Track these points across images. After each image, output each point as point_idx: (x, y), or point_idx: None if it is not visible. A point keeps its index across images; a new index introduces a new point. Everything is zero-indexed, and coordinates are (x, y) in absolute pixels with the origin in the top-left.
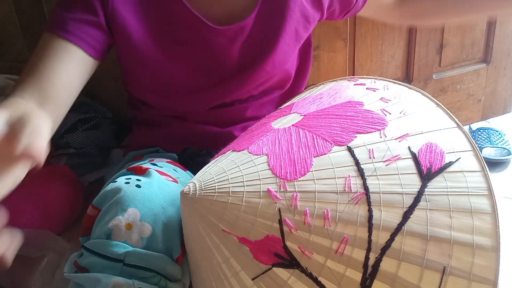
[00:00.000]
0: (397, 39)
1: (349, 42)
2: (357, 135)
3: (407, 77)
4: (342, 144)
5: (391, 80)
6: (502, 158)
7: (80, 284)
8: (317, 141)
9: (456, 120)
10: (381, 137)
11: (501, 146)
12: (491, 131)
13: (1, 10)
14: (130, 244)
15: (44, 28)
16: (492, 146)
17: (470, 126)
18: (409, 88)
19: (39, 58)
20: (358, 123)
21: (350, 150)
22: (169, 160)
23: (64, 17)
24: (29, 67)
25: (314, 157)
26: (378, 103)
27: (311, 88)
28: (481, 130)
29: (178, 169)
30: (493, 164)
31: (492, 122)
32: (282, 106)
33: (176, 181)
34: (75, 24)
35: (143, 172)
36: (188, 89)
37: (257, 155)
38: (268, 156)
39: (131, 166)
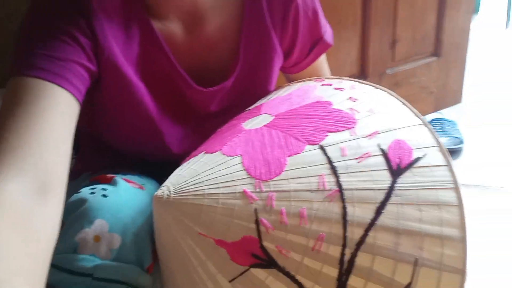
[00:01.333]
0: (351, 36)
1: None
2: (328, 134)
3: (362, 73)
4: (315, 143)
5: (357, 80)
6: (456, 146)
7: None
8: (290, 141)
9: (421, 117)
10: (351, 135)
11: (453, 136)
12: (444, 121)
13: None
14: (98, 257)
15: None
16: (445, 135)
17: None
18: (375, 87)
19: (19, 115)
20: (329, 122)
21: (322, 148)
22: (130, 171)
23: (44, 56)
24: (3, 132)
25: (288, 156)
26: (347, 102)
27: (278, 89)
28: (435, 121)
29: (142, 176)
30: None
31: (445, 113)
32: (251, 107)
33: (142, 188)
34: (63, 65)
35: (108, 180)
36: (174, 135)
37: (231, 156)
38: (242, 157)
39: (95, 176)
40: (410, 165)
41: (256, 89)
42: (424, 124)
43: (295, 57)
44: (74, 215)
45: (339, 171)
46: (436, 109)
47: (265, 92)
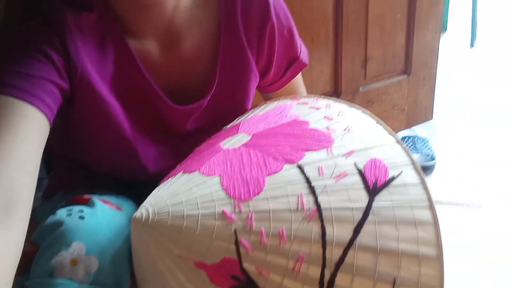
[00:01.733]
0: (324, 54)
1: None
2: (305, 153)
3: (335, 91)
4: (293, 162)
5: (332, 98)
6: (427, 163)
7: None
8: (268, 160)
9: (395, 135)
10: (328, 154)
11: (425, 152)
12: (416, 138)
13: None
14: (76, 281)
15: None
16: (417, 152)
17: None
18: (350, 105)
19: None
20: (306, 141)
21: (300, 168)
22: (106, 191)
23: (15, 74)
24: None
25: (266, 176)
26: (323, 121)
27: (255, 107)
28: (406, 138)
29: (119, 196)
30: None
31: (416, 130)
32: (228, 126)
33: (119, 209)
34: (34, 82)
35: (85, 201)
36: (150, 155)
37: (209, 176)
38: (221, 177)
39: (71, 197)
40: (386, 184)
41: (233, 108)
42: (398, 142)
43: (271, 77)
44: (51, 237)
45: (317, 190)
46: (408, 125)
47: (242, 110)
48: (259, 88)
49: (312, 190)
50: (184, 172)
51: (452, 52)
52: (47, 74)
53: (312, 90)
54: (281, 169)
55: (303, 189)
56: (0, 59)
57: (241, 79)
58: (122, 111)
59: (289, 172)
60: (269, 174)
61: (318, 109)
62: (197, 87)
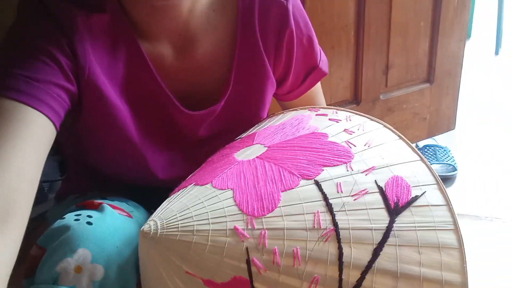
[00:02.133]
0: (345, 61)
1: None
2: (323, 168)
3: (355, 98)
4: (309, 177)
5: (352, 111)
6: (448, 174)
7: None
8: (283, 175)
9: (419, 153)
10: (347, 170)
11: (446, 162)
12: (437, 148)
13: None
14: None
15: None
16: (438, 162)
17: (417, 144)
18: (371, 119)
19: None
20: (324, 156)
21: (317, 184)
22: (118, 195)
23: (21, 77)
24: None
25: (282, 191)
26: (342, 134)
27: (271, 117)
28: (427, 147)
29: (131, 202)
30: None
31: (438, 139)
32: (243, 135)
33: (130, 216)
34: (40, 87)
35: (95, 206)
36: (159, 162)
37: (222, 189)
38: (233, 191)
39: (81, 202)
40: (409, 203)
41: (248, 114)
42: (422, 160)
43: (289, 85)
44: (57, 242)
45: (335, 208)
46: (429, 135)
47: (257, 118)
48: (276, 96)
49: (329, 208)
50: (196, 184)
51: (476, 59)
52: (53, 78)
53: (332, 97)
54: (297, 184)
55: (320, 206)
56: (7, 62)
57: (257, 86)
58: (130, 116)
59: (306, 188)
60: (284, 190)
61: (338, 121)
62: (211, 93)
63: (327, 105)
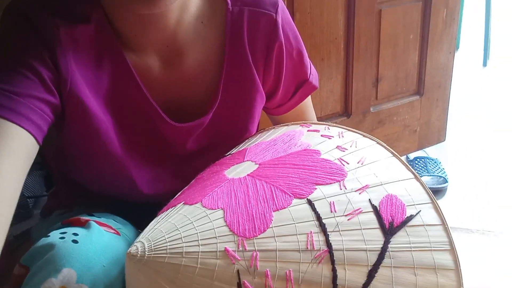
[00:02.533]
0: (335, 74)
1: None
2: (316, 186)
3: (346, 111)
4: (302, 196)
5: (344, 127)
6: (439, 186)
7: None
8: (275, 194)
9: (413, 171)
10: (341, 189)
11: (437, 174)
12: (428, 160)
13: None
14: None
15: None
16: (429, 174)
17: (407, 156)
18: (364, 136)
19: None
20: (317, 174)
21: (310, 203)
22: (105, 210)
23: (0, 91)
24: None
25: (274, 211)
26: (335, 151)
27: (262, 132)
28: (418, 160)
29: (118, 218)
30: None
31: (428, 151)
32: (233, 151)
33: (118, 233)
34: (20, 101)
35: (82, 224)
36: (144, 177)
37: (212, 209)
38: (224, 211)
39: (67, 218)
40: (403, 223)
41: (236, 128)
42: (416, 178)
43: (278, 98)
44: (41, 262)
45: (329, 229)
46: (420, 147)
47: (246, 132)
48: (266, 110)
49: (323, 229)
50: (185, 203)
51: (465, 71)
52: (35, 91)
53: (322, 110)
54: (290, 204)
55: (313, 227)
56: None
57: (246, 99)
58: (114, 128)
59: (298, 207)
60: (276, 209)
61: (330, 138)
62: (199, 105)
63: (317, 118)
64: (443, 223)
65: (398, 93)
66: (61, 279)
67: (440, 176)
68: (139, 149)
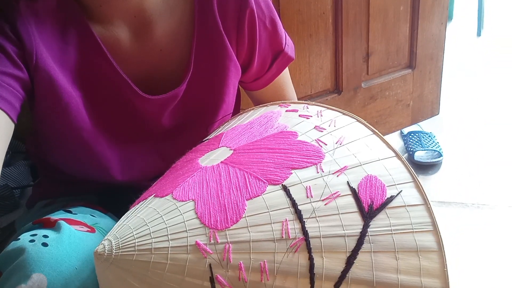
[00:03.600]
0: (324, 50)
1: None
2: (292, 171)
3: (336, 88)
4: (277, 182)
5: (323, 105)
6: (434, 160)
7: None
8: (249, 181)
9: (394, 148)
10: (318, 172)
11: (431, 149)
12: (422, 134)
13: None
14: None
15: None
16: (423, 149)
17: (401, 131)
18: (343, 114)
19: None
20: (293, 157)
21: (285, 189)
22: (85, 203)
23: None
24: None
25: (247, 199)
26: (313, 132)
27: (241, 114)
28: (412, 134)
29: (97, 212)
30: (426, 167)
31: (422, 125)
32: (210, 137)
33: (93, 230)
34: None
35: (52, 225)
36: (117, 158)
37: (182, 201)
38: (195, 202)
39: (39, 218)
40: (384, 205)
41: (212, 100)
42: (397, 155)
43: (255, 71)
44: (11, 267)
45: (305, 215)
46: (414, 121)
47: (223, 104)
48: (243, 84)
49: (298, 216)
50: (156, 195)
51: (458, 41)
52: (1, 67)
53: (312, 87)
54: (264, 191)
55: (288, 214)
56: None
57: (219, 67)
58: (83, 103)
59: (273, 194)
60: (250, 198)
61: (308, 117)
62: (172, 76)
63: (307, 96)
64: (426, 202)
65: (390, 67)
66: (31, 285)
67: (435, 150)
68: (112, 126)
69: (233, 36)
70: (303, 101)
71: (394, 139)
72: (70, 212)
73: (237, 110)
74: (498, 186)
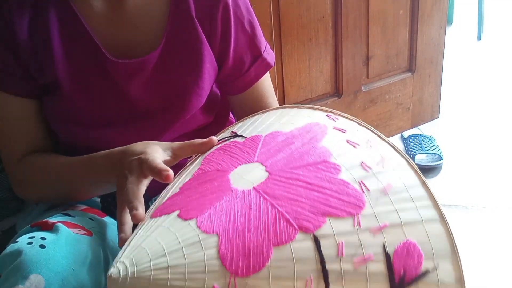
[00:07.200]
0: (323, 53)
1: (276, 59)
2: (327, 218)
3: (336, 91)
4: (308, 231)
5: (374, 130)
6: (434, 163)
7: None
8: (279, 224)
9: (441, 208)
10: (354, 226)
11: (432, 152)
12: (422, 137)
13: None
14: None
15: None
16: (423, 152)
17: (401, 134)
18: (395, 149)
19: None
20: (331, 201)
21: (316, 241)
22: (85, 208)
23: None
24: None
25: (273, 245)
26: (357, 171)
27: (284, 109)
28: (412, 137)
29: (95, 216)
30: (426, 170)
31: (422, 128)
32: (246, 129)
33: (90, 233)
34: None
35: (49, 227)
36: (103, 124)
37: (206, 233)
38: (219, 237)
39: (37, 221)
40: (416, 279)
41: (186, 82)
42: (442, 219)
43: (231, 67)
44: (9, 269)
45: (331, 276)
46: (413, 125)
47: (198, 89)
48: (223, 85)
49: (324, 276)
50: (180, 215)
51: (458, 45)
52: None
53: (312, 91)
54: (292, 239)
55: (314, 271)
56: None
57: (193, 50)
58: (64, 60)
59: (302, 245)
60: (277, 244)
61: (355, 146)
62: (144, 47)
63: (307, 99)
64: (461, 281)
65: (390, 71)
66: (29, 286)
67: (435, 154)
68: (89, 87)
69: (206, 23)
70: (353, 118)
71: (395, 142)
72: (68, 215)
73: (225, 110)
74: (498, 189)
